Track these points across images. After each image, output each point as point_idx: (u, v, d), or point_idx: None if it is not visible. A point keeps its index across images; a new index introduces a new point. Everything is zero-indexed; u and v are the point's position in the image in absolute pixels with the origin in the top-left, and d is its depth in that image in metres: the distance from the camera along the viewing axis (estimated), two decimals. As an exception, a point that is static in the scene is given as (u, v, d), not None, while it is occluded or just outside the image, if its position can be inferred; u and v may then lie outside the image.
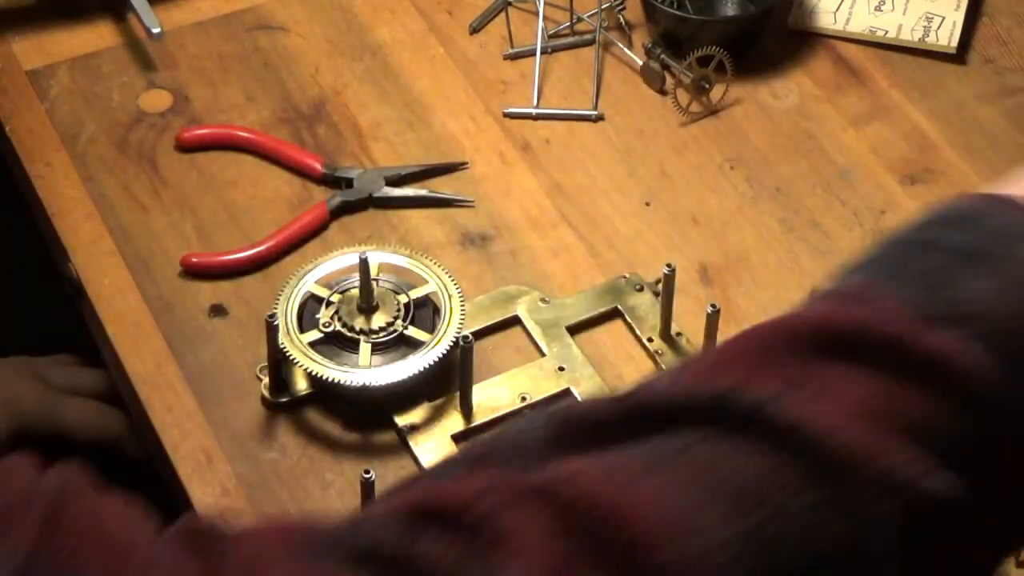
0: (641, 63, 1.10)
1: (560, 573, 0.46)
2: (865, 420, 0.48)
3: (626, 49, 1.12)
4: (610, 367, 0.93)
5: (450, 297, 0.91)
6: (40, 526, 0.47)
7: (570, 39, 1.13)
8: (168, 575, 0.48)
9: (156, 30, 1.08)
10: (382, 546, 0.48)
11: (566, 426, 0.52)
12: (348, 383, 0.88)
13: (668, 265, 0.90)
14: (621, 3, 1.14)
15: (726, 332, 0.93)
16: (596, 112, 1.08)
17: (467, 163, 1.04)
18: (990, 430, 0.49)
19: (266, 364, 0.91)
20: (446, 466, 0.56)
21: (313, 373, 0.88)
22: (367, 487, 0.82)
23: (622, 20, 1.14)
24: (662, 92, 1.09)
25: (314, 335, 0.90)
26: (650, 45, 1.11)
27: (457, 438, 0.89)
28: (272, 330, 0.89)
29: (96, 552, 0.48)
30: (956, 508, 0.48)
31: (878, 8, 1.15)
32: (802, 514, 0.47)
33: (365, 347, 0.89)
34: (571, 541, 0.47)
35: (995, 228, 0.53)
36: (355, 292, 0.91)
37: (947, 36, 1.12)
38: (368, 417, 0.90)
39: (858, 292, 0.53)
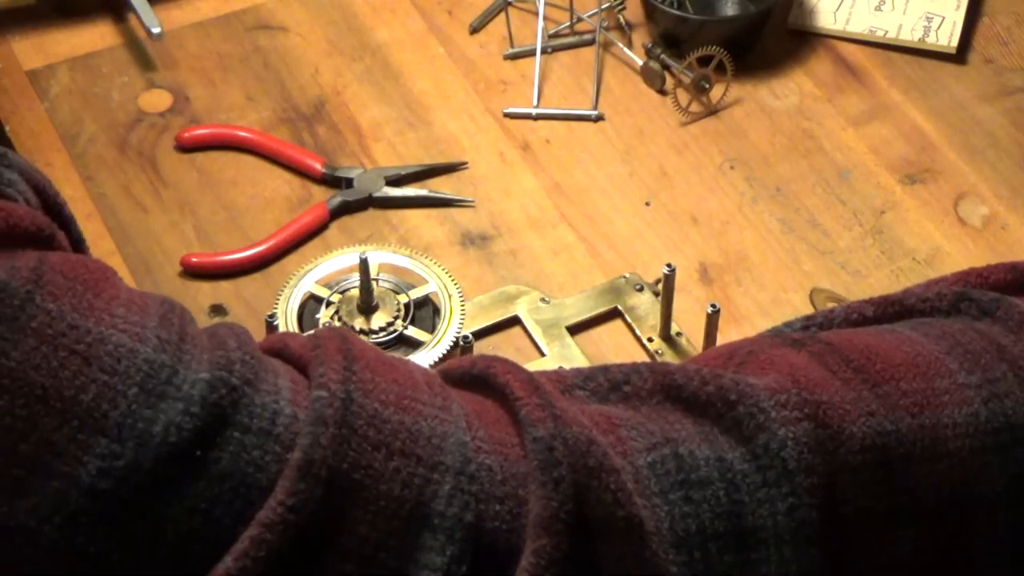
0: (641, 63, 1.10)
1: (814, 389, 0.53)
2: None
3: (626, 49, 1.12)
4: (610, 367, 0.93)
5: (450, 297, 0.91)
6: (341, 356, 0.53)
7: (570, 39, 1.13)
8: (464, 406, 0.55)
9: (156, 30, 1.08)
10: (631, 380, 0.58)
11: (819, 318, 0.61)
12: (348, 383, 0.88)
13: (668, 265, 0.90)
14: (621, 3, 1.14)
15: (726, 332, 0.93)
16: (596, 112, 1.08)
17: (467, 163, 1.04)
18: None
19: (266, 364, 0.90)
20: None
21: (313, 373, 0.88)
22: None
23: (622, 20, 1.14)
24: (662, 92, 1.09)
25: (314, 335, 0.90)
26: (650, 45, 1.11)
27: (457, 438, 0.89)
28: (272, 330, 0.89)
29: (391, 377, 0.54)
30: None
31: (878, 8, 1.15)
32: None
33: (365, 347, 0.89)
34: (823, 368, 0.54)
35: None
36: (355, 292, 0.91)
37: (947, 36, 1.12)
38: (368, 417, 0.90)
39: None
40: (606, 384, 0.58)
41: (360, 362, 0.54)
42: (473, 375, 0.58)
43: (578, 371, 0.60)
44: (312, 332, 0.57)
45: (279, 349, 0.56)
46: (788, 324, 0.63)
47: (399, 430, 0.52)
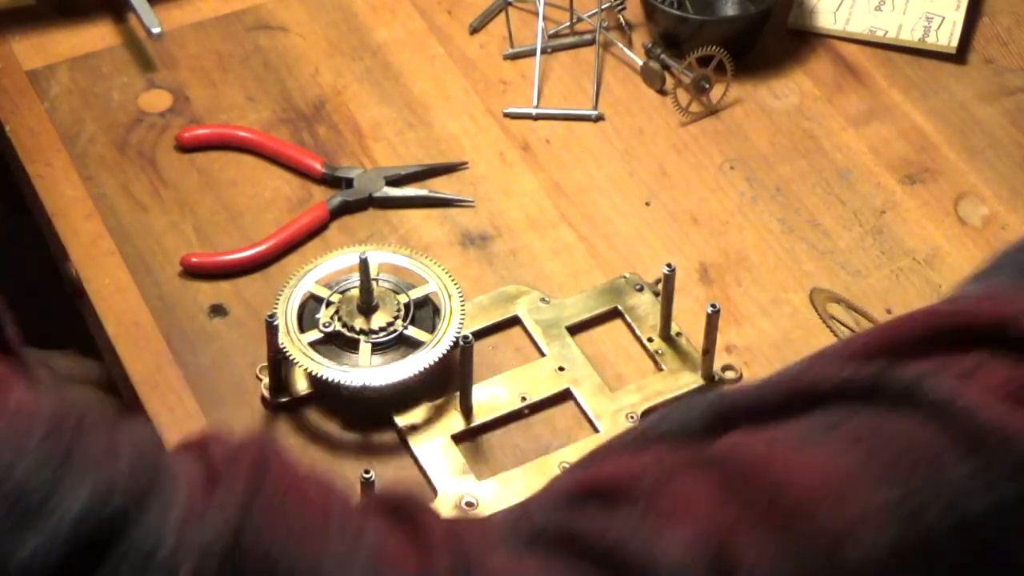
0: (641, 63, 1.10)
1: (725, 538, 0.48)
2: (1011, 401, 0.50)
3: (626, 49, 1.12)
4: (610, 367, 0.93)
5: (450, 297, 0.91)
6: (248, 481, 0.50)
7: (570, 39, 1.13)
8: (375, 543, 0.50)
9: (156, 30, 1.08)
10: (548, 526, 0.51)
11: (723, 409, 0.54)
12: (348, 383, 0.88)
13: (668, 265, 0.90)
14: (621, 3, 1.14)
15: (726, 332, 0.93)
16: (596, 112, 1.08)
17: (467, 163, 1.04)
18: None
19: (266, 364, 0.91)
20: (610, 447, 0.57)
21: (313, 373, 0.88)
22: (367, 487, 0.82)
23: (622, 20, 1.14)
24: (662, 92, 1.09)
25: (314, 335, 0.90)
26: (650, 45, 1.11)
27: (457, 438, 0.89)
28: (272, 330, 0.89)
29: (299, 509, 0.50)
30: None
31: (878, 8, 1.15)
32: (952, 484, 0.49)
33: (365, 347, 0.89)
34: (735, 507, 0.49)
35: None
36: (355, 292, 0.91)
37: (947, 36, 1.12)
38: (368, 417, 0.90)
39: (987, 293, 0.56)
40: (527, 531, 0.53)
41: (268, 488, 0.50)
42: (399, 509, 0.53)
43: (506, 518, 0.55)
44: (239, 440, 0.53)
45: (202, 450, 0.53)
46: (688, 405, 0.57)
47: (294, 568, 0.49)
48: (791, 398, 0.54)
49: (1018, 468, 0.49)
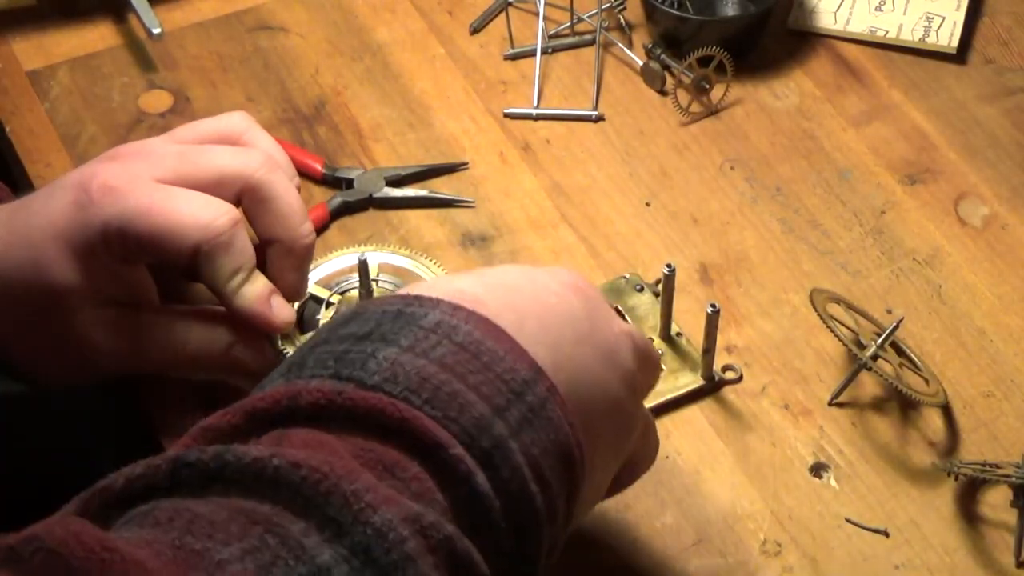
0: (641, 63, 1.10)
1: None
2: (326, 452, 0.56)
3: (626, 49, 1.12)
4: (610, 367, 0.93)
5: (450, 297, 0.91)
6: None
7: (570, 39, 1.13)
8: None
9: (156, 30, 1.08)
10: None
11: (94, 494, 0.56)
12: (348, 383, 0.88)
13: (668, 265, 0.90)
14: (621, 3, 1.14)
15: (726, 332, 0.93)
16: (596, 112, 1.08)
17: (467, 163, 1.04)
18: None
19: (266, 364, 0.91)
20: None
21: (313, 373, 0.88)
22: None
23: (622, 20, 1.14)
24: (662, 92, 1.09)
25: (314, 336, 0.90)
26: (650, 45, 1.11)
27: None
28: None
29: None
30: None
31: (878, 8, 1.15)
32: (295, 539, 0.53)
33: (365, 347, 0.89)
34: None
35: (378, 313, 0.63)
36: (355, 293, 0.91)
37: (947, 36, 1.12)
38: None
39: (280, 390, 0.60)
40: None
41: None
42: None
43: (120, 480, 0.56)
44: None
45: None
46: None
47: None
48: (95, 507, 0.56)
49: (346, 517, 0.54)
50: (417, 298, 0.64)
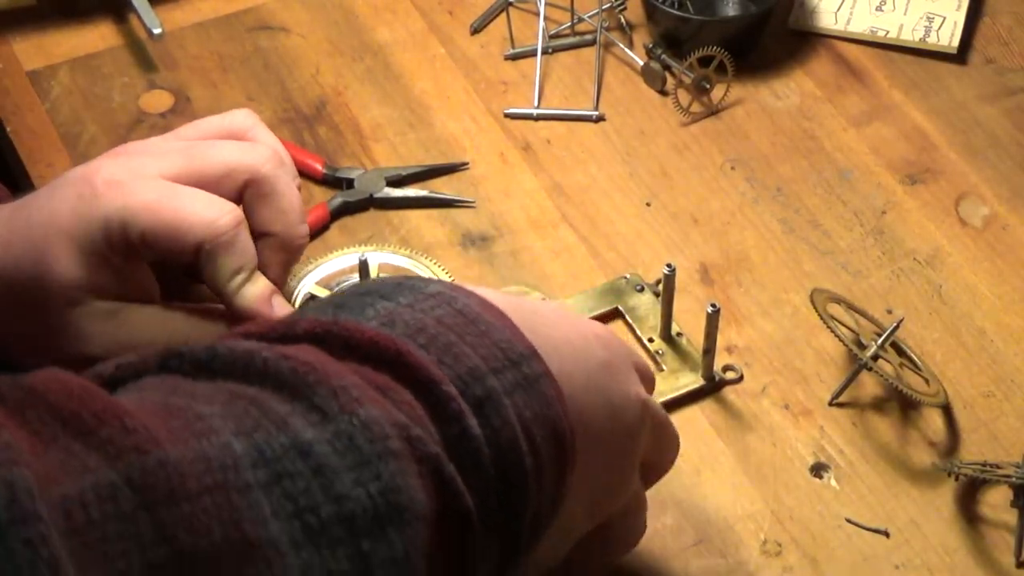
0: (642, 63, 1.10)
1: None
2: (318, 358, 0.56)
3: (627, 49, 1.12)
4: (610, 367, 0.93)
5: (450, 297, 0.91)
6: None
7: (571, 39, 1.13)
8: None
9: (157, 31, 1.08)
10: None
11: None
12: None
13: (668, 265, 0.90)
14: (622, 3, 1.14)
15: (727, 332, 0.93)
16: (597, 112, 1.08)
17: (468, 163, 1.04)
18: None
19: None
20: None
21: (313, 374, 0.88)
22: None
23: (623, 20, 1.14)
24: (663, 92, 1.09)
25: (314, 336, 0.90)
26: (651, 45, 1.11)
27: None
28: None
29: None
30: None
31: (879, 8, 1.15)
32: (280, 416, 0.54)
33: (365, 348, 0.89)
34: (28, 423, 0.50)
35: (379, 281, 0.65)
36: (355, 293, 0.91)
37: (948, 36, 1.12)
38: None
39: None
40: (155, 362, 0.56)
41: None
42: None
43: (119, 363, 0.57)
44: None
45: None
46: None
47: None
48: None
49: (331, 406, 0.54)
50: (420, 277, 0.64)
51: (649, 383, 0.72)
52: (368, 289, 0.63)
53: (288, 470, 0.52)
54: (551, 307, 0.70)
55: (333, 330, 0.58)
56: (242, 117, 0.85)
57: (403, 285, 0.63)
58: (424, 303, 0.62)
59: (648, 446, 0.71)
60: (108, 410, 0.50)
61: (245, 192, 0.80)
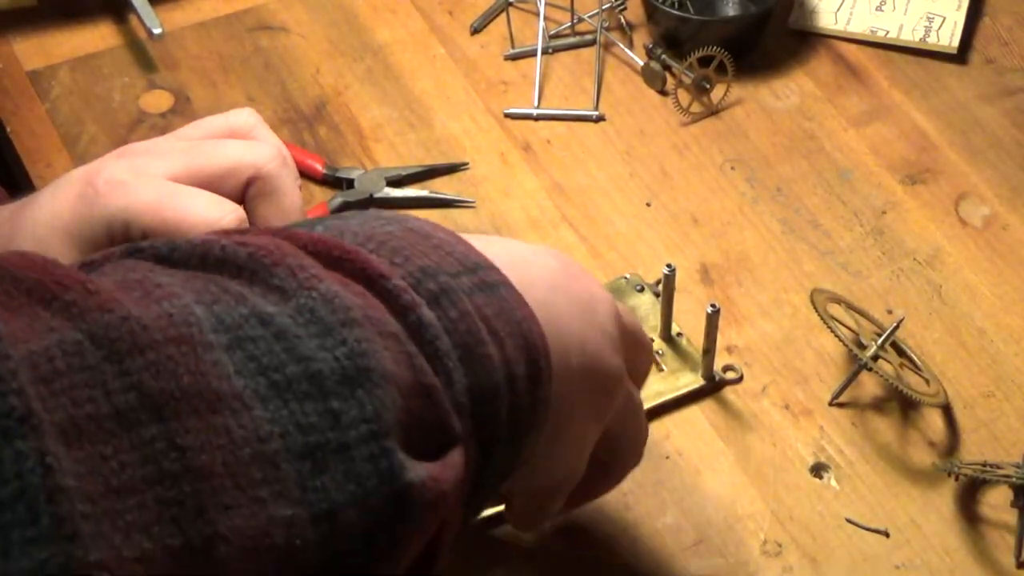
0: (642, 63, 1.10)
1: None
2: (275, 239, 0.57)
3: (627, 49, 1.12)
4: (611, 367, 0.93)
5: (451, 297, 0.91)
6: None
7: (571, 39, 1.13)
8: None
9: (157, 31, 1.08)
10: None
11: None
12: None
13: (668, 265, 0.90)
14: (622, 3, 1.14)
15: (727, 332, 0.93)
16: (597, 112, 1.08)
17: (468, 164, 1.04)
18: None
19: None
20: None
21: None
22: None
23: (623, 21, 1.14)
24: (663, 92, 1.09)
25: (315, 336, 0.90)
26: (651, 45, 1.11)
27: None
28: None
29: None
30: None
31: (879, 8, 1.15)
32: (236, 290, 0.54)
33: (366, 348, 0.89)
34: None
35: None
36: (356, 293, 0.91)
37: (948, 36, 1.12)
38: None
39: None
40: (151, 253, 0.57)
41: None
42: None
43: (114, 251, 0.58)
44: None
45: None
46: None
47: None
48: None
49: (289, 285, 0.55)
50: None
51: (642, 348, 0.72)
52: (320, 219, 0.64)
53: (249, 335, 0.52)
54: (501, 239, 0.69)
55: (282, 234, 0.58)
56: (244, 116, 0.85)
57: (354, 213, 0.63)
58: (374, 220, 0.61)
59: (617, 420, 0.70)
60: (70, 276, 0.51)
61: (248, 189, 0.81)
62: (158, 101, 1.08)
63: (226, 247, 0.55)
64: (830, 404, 0.90)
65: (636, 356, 0.72)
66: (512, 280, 0.62)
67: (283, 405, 0.51)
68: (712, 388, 0.91)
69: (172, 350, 0.50)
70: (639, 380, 0.75)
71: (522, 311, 0.61)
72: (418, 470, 0.54)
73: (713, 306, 0.87)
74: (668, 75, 1.09)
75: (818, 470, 0.87)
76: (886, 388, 0.90)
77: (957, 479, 0.85)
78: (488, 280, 0.61)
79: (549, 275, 0.65)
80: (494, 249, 0.63)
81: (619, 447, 0.74)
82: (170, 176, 0.78)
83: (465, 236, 0.63)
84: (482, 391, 0.58)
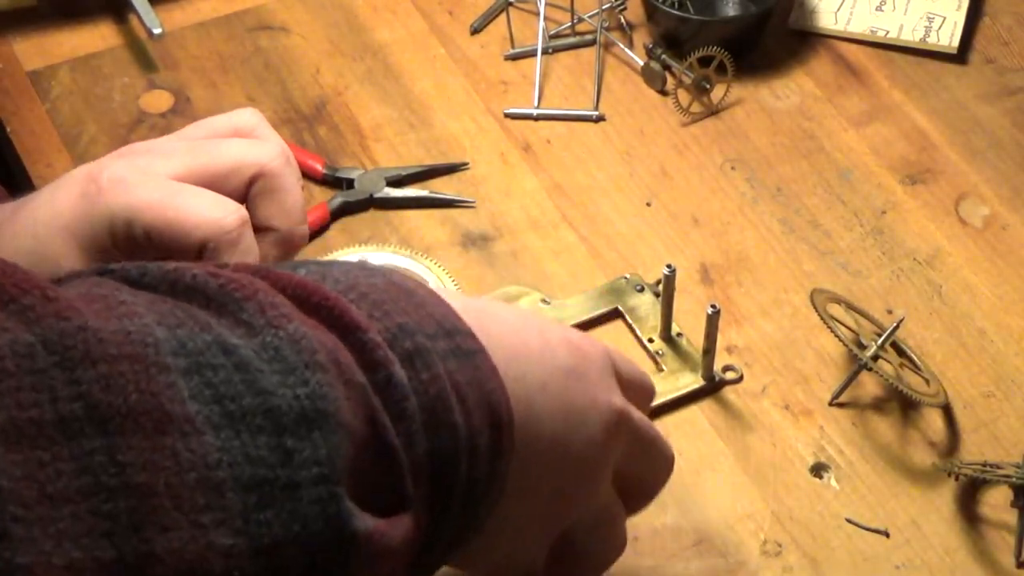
0: (642, 63, 1.10)
1: None
2: (249, 276, 0.56)
3: (627, 49, 1.12)
4: (611, 367, 0.93)
5: (451, 298, 0.91)
6: None
7: (571, 39, 1.13)
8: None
9: (157, 30, 1.08)
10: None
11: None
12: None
13: (668, 266, 0.90)
14: (622, 3, 1.14)
15: (727, 332, 0.93)
16: (597, 112, 1.08)
17: (468, 164, 1.04)
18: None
19: (267, 365, 0.90)
20: None
21: (314, 374, 0.88)
22: None
23: (623, 20, 1.14)
24: (663, 92, 1.09)
25: (315, 336, 0.89)
26: (651, 45, 1.11)
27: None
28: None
29: None
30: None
31: (879, 8, 1.15)
32: (213, 327, 0.53)
33: (366, 348, 0.89)
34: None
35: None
36: (356, 293, 0.91)
37: (948, 36, 1.12)
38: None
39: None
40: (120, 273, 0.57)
41: None
42: None
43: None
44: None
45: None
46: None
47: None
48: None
49: (261, 322, 0.54)
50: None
51: (644, 395, 0.71)
52: (304, 261, 0.63)
53: (210, 362, 0.51)
54: (514, 311, 0.68)
55: (260, 272, 0.57)
56: (247, 116, 0.85)
57: (341, 262, 0.62)
58: (358, 270, 0.61)
59: (630, 461, 0.69)
60: (30, 281, 0.50)
61: (251, 188, 0.81)
62: (158, 101, 1.08)
63: (197, 276, 0.55)
64: (830, 404, 0.90)
65: (649, 470, 0.71)
66: (504, 369, 0.61)
67: (235, 436, 0.50)
68: (712, 388, 0.91)
69: (125, 367, 0.49)
70: (648, 491, 0.73)
71: (494, 381, 0.60)
72: (366, 521, 0.53)
73: (713, 307, 0.87)
74: (668, 75, 1.09)
75: (818, 470, 0.87)
76: (886, 388, 0.90)
77: (957, 479, 0.85)
78: (464, 347, 0.60)
79: (546, 374, 0.64)
80: (493, 328, 0.62)
81: (578, 550, 0.71)
82: (173, 175, 0.78)
83: (464, 303, 0.63)
84: (442, 457, 0.57)
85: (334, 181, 1.02)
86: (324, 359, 0.53)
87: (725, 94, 1.08)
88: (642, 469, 0.71)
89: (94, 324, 0.50)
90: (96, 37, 1.12)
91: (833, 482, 0.86)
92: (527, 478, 0.63)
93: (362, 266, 0.62)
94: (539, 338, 0.65)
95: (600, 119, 1.08)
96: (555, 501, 0.66)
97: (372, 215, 1.01)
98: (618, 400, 0.67)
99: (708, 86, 1.07)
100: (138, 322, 0.51)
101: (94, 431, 0.48)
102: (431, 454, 0.57)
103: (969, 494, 0.86)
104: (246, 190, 0.80)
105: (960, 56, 1.12)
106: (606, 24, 1.13)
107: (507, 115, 1.08)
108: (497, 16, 1.14)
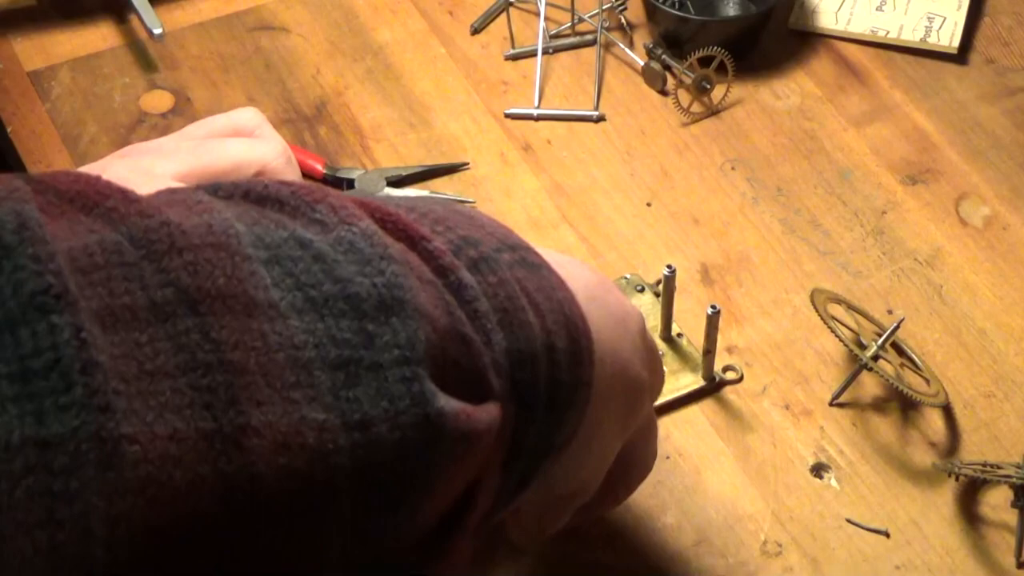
0: (642, 64, 1.10)
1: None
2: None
3: (627, 50, 1.12)
4: (611, 368, 0.93)
5: (451, 298, 0.91)
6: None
7: (571, 40, 1.13)
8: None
9: (157, 31, 1.08)
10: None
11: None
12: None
13: (668, 266, 0.90)
14: (622, 3, 1.14)
15: (727, 332, 0.93)
16: (597, 113, 1.08)
17: (468, 164, 1.04)
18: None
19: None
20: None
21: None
22: None
23: (623, 21, 1.14)
24: (663, 92, 1.09)
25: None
26: (651, 45, 1.11)
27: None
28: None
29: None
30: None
31: (879, 8, 1.15)
32: (275, 216, 0.55)
33: (366, 348, 0.89)
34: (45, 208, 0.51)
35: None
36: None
37: (948, 36, 1.12)
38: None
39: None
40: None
41: None
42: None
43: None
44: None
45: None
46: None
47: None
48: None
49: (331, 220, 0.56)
50: None
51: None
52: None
53: (288, 254, 0.53)
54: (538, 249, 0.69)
55: (324, 189, 0.59)
56: (248, 115, 0.85)
57: (392, 196, 0.64)
58: (415, 199, 0.62)
59: (632, 436, 0.70)
60: (112, 186, 0.52)
61: None
62: (158, 101, 1.08)
63: (269, 186, 0.56)
64: (830, 404, 0.90)
65: (654, 375, 0.72)
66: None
67: (319, 319, 0.52)
68: (712, 388, 0.91)
69: (210, 254, 0.51)
70: (655, 396, 0.74)
71: (563, 292, 0.61)
72: (451, 402, 0.54)
73: (713, 307, 0.87)
74: (668, 75, 1.09)
75: (818, 470, 0.87)
76: (886, 388, 0.90)
77: (957, 479, 0.85)
78: (529, 259, 0.61)
79: (585, 284, 0.65)
80: (541, 252, 0.64)
81: (631, 462, 0.73)
82: (175, 175, 0.78)
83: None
84: (520, 355, 0.58)
85: (334, 181, 1.02)
86: (397, 254, 0.55)
87: (725, 94, 1.08)
88: (637, 449, 0.72)
89: (176, 219, 0.51)
90: (96, 37, 1.12)
91: (833, 482, 0.86)
92: (596, 404, 0.63)
93: (417, 197, 0.63)
94: (567, 259, 0.66)
95: (600, 119, 1.08)
96: (619, 422, 0.68)
97: (372, 215, 1.01)
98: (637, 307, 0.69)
99: (708, 86, 1.07)
100: (218, 216, 0.52)
101: (186, 312, 0.49)
102: (509, 352, 0.58)
103: (969, 494, 0.86)
104: None
105: (960, 56, 1.12)
106: (606, 24, 1.13)
107: (507, 115, 1.08)
108: (497, 16, 1.14)
